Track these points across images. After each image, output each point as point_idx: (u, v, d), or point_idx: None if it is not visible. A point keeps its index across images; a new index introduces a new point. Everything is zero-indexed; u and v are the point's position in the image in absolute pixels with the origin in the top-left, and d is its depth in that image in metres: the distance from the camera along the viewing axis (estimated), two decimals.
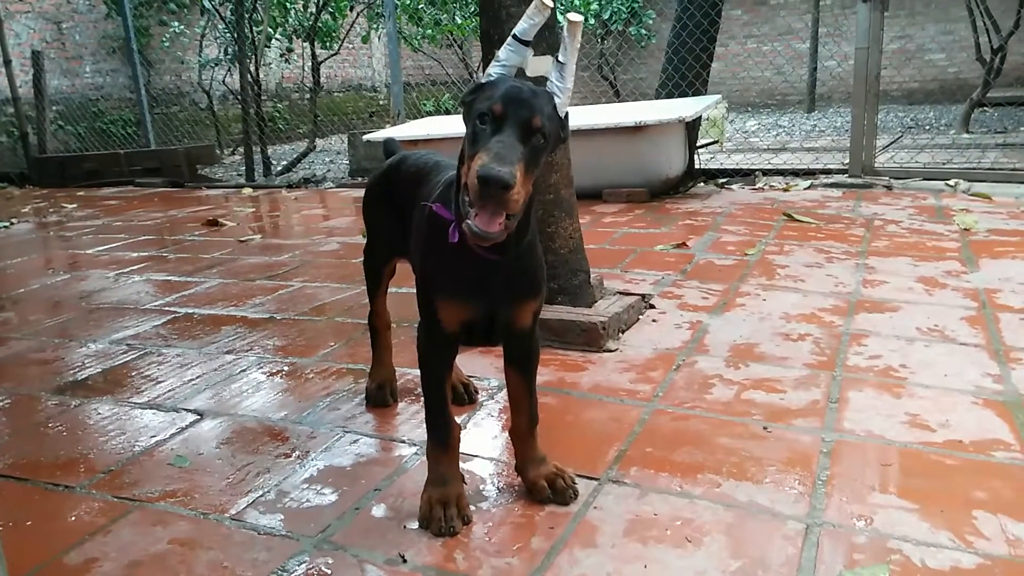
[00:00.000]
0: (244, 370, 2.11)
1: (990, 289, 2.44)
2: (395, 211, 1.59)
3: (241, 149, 7.70)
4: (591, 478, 1.45)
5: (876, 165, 4.54)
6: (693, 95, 4.73)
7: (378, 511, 1.39)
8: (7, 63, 7.35)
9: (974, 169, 4.47)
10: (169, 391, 1.99)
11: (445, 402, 1.36)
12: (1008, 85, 7.24)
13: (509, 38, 1.23)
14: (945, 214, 3.55)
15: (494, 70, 1.23)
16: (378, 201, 1.69)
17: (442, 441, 1.36)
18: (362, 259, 1.81)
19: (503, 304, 1.29)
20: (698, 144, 4.67)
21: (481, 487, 1.45)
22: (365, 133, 5.64)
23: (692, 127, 4.43)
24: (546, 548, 1.26)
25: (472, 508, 1.37)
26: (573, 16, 1.21)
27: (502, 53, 1.23)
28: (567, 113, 1.22)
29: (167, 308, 2.76)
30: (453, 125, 5.10)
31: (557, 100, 1.19)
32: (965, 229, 3.23)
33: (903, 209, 3.72)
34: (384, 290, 1.79)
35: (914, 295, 2.43)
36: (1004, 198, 3.81)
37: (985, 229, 3.22)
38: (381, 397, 1.82)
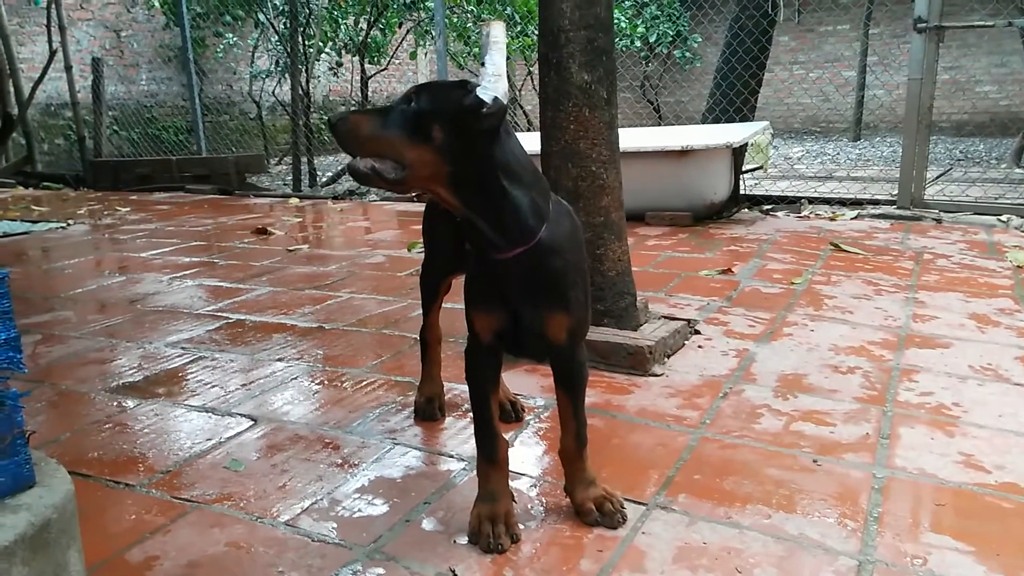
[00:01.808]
0: (295, 378, 2.15)
1: None
2: (454, 226, 1.62)
3: (288, 159, 7.87)
4: (639, 503, 1.46)
5: (925, 197, 4.47)
6: (740, 120, 4.72)
7: (428, 524, 1.41)
8: (68, 68, 7.64)
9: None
10: (223, 395, 2.04)
11: (491, 417, 1.39)
12: None
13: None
14: (997, 250, 3.49)
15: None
16: (437, 216, 1.72)
17: (490, 456, 1.38)
18: (419, 273, 1.84)
19: (526, 312, 1.31)
20: (743, 170, 4.66)
21: (529, 506, 1.47)
22: None
23: (738, 153, 4.43)
24: (595, 571, 1.26)
25: (521, 527, 1.38)
26: (488, 24, 1.33)
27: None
28: (494, 99, 1.20)
29: (219, 314, 2.83)
30: None
31: (480, 90, 1.22)
32: (1018, 266, 3.17)
33: (953, 243, 3.66)
34: (439, 305, 1.83)
35: (966, 332, 2.39)
36: None
37: None
38: (430, 411, 1.85)
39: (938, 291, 2.84)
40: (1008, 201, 4.56)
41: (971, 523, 1.38)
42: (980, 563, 1.26)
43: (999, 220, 4.12)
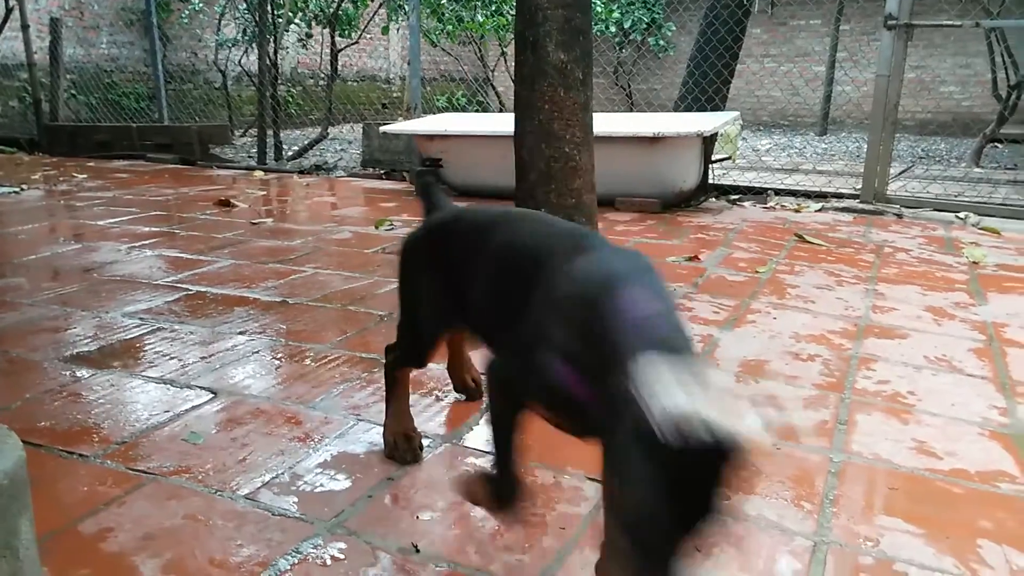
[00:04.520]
0: (257, 352, 2.12)
1: (998, 323, 2.46)
2: (448, 278, 1.31)
3: (253, 131, 7.71)
4: (599, 480, 1.46)
5: (888, 193, 4.56)
6: (712, 110, 4.75)
7: (391, 500, 1.40)
8: (24, 28, 7.34)
9: (985, 203, 4.49)
10: (182, 367, 2.00)
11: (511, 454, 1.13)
12: (1022, 122, 7.28)
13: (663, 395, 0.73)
14: (954, 246, 3.57)
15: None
16: (422, 259, 1.40)
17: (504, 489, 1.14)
18: (397, 325, 1.50)
19: None
20: (712, 159, 4.69)
21: None
22: (380, 123, 5.66)
23: (708, 142, 4.46)
24: (557, 547, 1.27)
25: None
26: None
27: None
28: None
29: (179, 285, 2.77)
30: (470, 122, 5.11)
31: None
32: (974, 262, 3.26)
33: (913, 238, 3.74)
34: (431, 358, 1.49)
35: (922, 324, 2.45)
36: (1013, 234, 3.84)
37: (994, 263, 3.24)
38: (411, 451, 1.53)
39: (897, 284, 2.90)
40: (967, 199, 4.67)
41: (922, 507, 1.42)
42: (929, 545, 1.30)
43: (957, 217, 4.22)
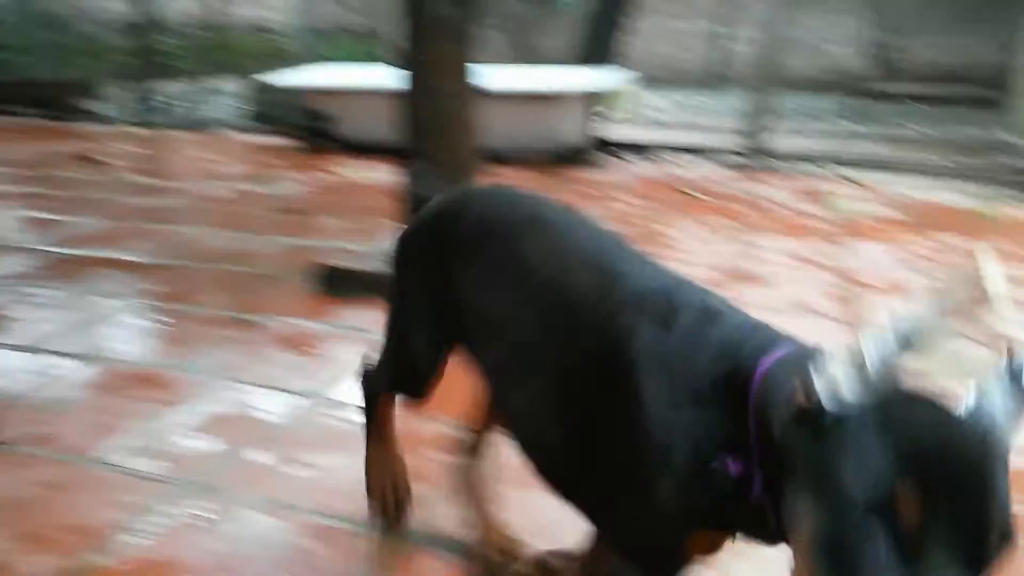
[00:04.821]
0: (122, 314, 2.03)
1: (855, 268, 2.65)
2: (451, 284, 1.01)
3: (127, 83, 7.23)
4: None
5: (767, 148, 4.77)
6: (607, 65, 4.81)
7: (259, 458, 1.40)
8: None
9: (858, 158, 4.77)
10: (41, 333, 1.90)
11: None
12: (900, 80, 7.72)
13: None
14: (825, 198, 3.79)
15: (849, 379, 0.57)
16: (419, 270, 1.07)
17: None
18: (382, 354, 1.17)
19: None
20: (602, 115, 4.76)
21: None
22: (268, 77, 5.42)
23: (599, 98, 4.52)
24: (426, 494, 1.30)
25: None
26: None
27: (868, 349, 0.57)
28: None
29: (40, 247, 2.61)
30: (362, 76, 4.97)
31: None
32: (841, 212, 3.47)
33: (787, 191, 3.95)
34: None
35: (787, 271, 2.60)
36: (880, 186, 4.10)
37: (859, 213, 3.46)
38: (399, 507, 1.23)
39: (767, 233, 3.06)
40: (843, 154, 4.93)
41: None
42: None
43: (830, 171, 4.48)
